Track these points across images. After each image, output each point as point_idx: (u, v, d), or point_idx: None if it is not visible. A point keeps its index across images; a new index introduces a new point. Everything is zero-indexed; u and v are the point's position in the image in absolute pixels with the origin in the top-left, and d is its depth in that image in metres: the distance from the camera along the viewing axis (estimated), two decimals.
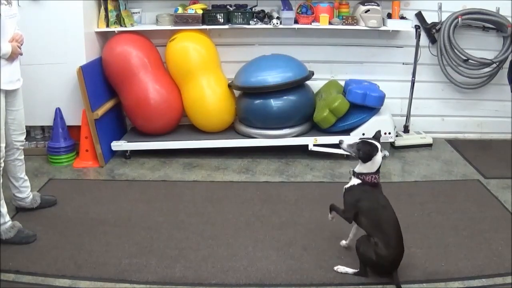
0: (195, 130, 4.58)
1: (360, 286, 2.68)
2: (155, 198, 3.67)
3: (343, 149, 2.74)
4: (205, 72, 4.42)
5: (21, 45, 3.00)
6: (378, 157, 2.64)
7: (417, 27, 4.55)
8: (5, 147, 3.07)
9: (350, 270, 2.75)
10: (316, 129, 4.46)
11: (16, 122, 3.15)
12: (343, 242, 2.98)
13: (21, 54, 3.01)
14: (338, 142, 2.76)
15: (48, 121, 4.34)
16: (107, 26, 4.44)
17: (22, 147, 3.28)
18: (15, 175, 3.30)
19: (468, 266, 2.83)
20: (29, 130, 4.47)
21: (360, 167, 2.69)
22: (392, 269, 2.63)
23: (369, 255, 2.62)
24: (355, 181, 2.70)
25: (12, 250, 2.96)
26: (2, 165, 3.02)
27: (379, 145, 2.66)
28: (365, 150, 2.63)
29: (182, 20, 4.40)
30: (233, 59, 4.69)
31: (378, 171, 2.67)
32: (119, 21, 4.47)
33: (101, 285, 2.69)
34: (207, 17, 4.44)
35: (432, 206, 3.52)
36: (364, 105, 4.23)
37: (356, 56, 4.77)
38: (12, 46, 2.89)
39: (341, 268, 2.77)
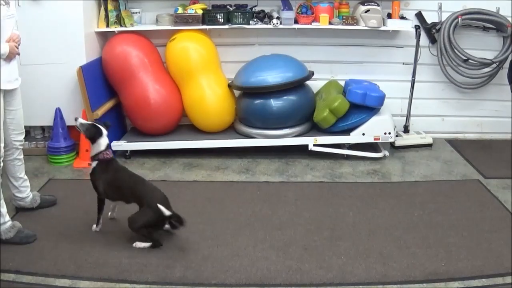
0: (195, 130, 4.58)
1: (360, 286, 2.68)
2: None
3: (76, 126, 3.10)
4: (205, 72, 4.42)
5: (18, 45, 3.01)
6: (102, 140, 3.07)
7: (417, 27, 4.55)
8: (5, 147, 3.07)
9: (146, 245, 2.98)
10: (316, 129, 4.46)
11: (15, 121, 3.16)
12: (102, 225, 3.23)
13: (18, 54, 3.02)
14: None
15: (48, 121, 4.35)
16: (107, 26, 4.45)
17: (21, 147, 3.28)
18: (15, 175, 3.30)
19: (468, 266, 2.83)
20: (29, 130, 4.48)
21: (92, 151, 3.10)
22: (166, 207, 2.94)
23: (144, 220, 2.93)
24: (94, 163, 3.10)
25: (12, 250, 2.96)
26: (1, 164, 3.02)
27: (104, 131, 3.09)
28: (91, 132, 3.06)
29: (182, 20, 4.40)
30: (233, 59, 4.69)
31: (107, 148, 3.09)
32: (119, 21, 4.47)
33: (101, 285, 2.69)
34: (207, 17, 4.44)
35: (432, 206, 3.52)
36: (364, 105, 4.23)
37: (356, 56, 4.77)
38: (9, 47, 2.90)
39: (138, 244, 2.98)
